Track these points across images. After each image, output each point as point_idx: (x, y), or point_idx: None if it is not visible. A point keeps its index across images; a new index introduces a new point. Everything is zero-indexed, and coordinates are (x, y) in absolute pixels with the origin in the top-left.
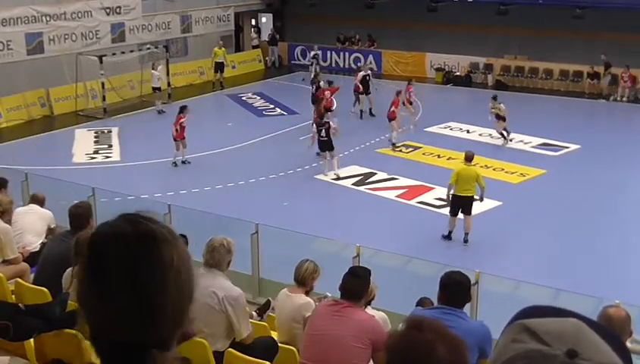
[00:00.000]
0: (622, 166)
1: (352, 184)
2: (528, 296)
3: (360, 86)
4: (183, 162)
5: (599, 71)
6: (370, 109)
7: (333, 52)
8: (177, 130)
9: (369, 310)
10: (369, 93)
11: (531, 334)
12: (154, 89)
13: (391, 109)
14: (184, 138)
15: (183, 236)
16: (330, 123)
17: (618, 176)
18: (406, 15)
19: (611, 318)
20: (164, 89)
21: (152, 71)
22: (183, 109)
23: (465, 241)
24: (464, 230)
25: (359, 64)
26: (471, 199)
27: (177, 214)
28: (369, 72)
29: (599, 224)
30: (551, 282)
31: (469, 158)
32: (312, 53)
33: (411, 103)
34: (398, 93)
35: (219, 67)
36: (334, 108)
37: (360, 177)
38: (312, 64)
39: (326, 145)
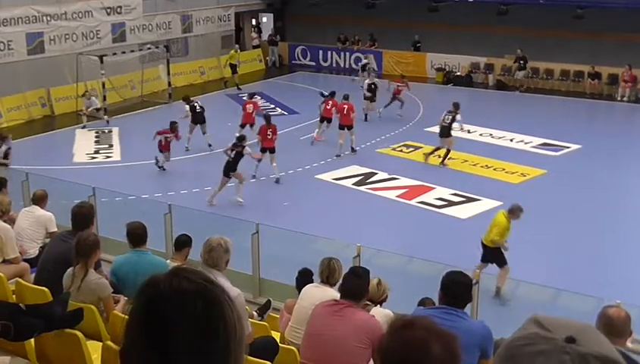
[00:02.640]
0: (622, 166)
1: (353, 184)
2: (528, 296)
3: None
4: (160, 166)
5: (599, 71)
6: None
7: (333, 52)
8: (160, 142)
9: (377, 309)
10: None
11: (538, 324)
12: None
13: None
14: (169, 150)
15: (187, 236)
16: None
17: (619, 176)
18: (406, 15)
19: (611, 318)
20: (164, 89)
21: (85, 100)
22: (173, 125)
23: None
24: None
25: (359, 63)
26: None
27: (178, 214)
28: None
29: (599, 223)
30: (551, 282)
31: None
32: (364, 62)
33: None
34: (333, 94)
35: (232, 68)
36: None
37: (361, 177)
38: (367, 73)
39: (229, 167)
